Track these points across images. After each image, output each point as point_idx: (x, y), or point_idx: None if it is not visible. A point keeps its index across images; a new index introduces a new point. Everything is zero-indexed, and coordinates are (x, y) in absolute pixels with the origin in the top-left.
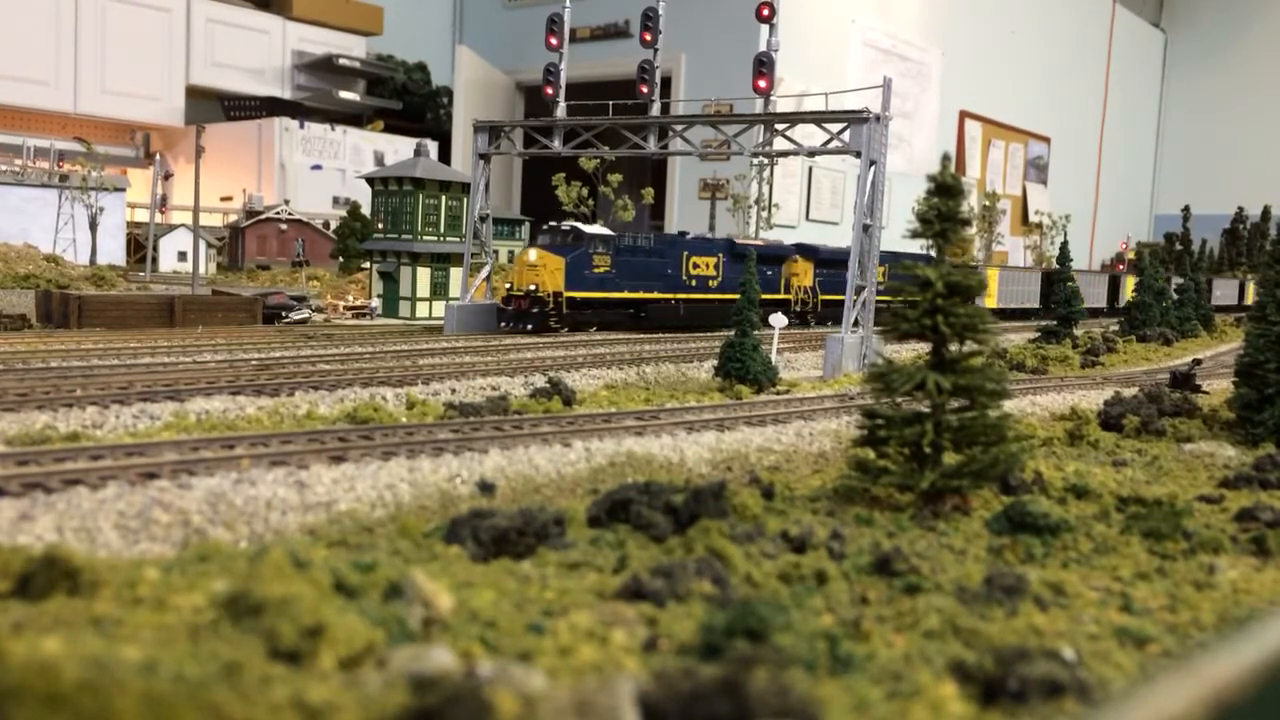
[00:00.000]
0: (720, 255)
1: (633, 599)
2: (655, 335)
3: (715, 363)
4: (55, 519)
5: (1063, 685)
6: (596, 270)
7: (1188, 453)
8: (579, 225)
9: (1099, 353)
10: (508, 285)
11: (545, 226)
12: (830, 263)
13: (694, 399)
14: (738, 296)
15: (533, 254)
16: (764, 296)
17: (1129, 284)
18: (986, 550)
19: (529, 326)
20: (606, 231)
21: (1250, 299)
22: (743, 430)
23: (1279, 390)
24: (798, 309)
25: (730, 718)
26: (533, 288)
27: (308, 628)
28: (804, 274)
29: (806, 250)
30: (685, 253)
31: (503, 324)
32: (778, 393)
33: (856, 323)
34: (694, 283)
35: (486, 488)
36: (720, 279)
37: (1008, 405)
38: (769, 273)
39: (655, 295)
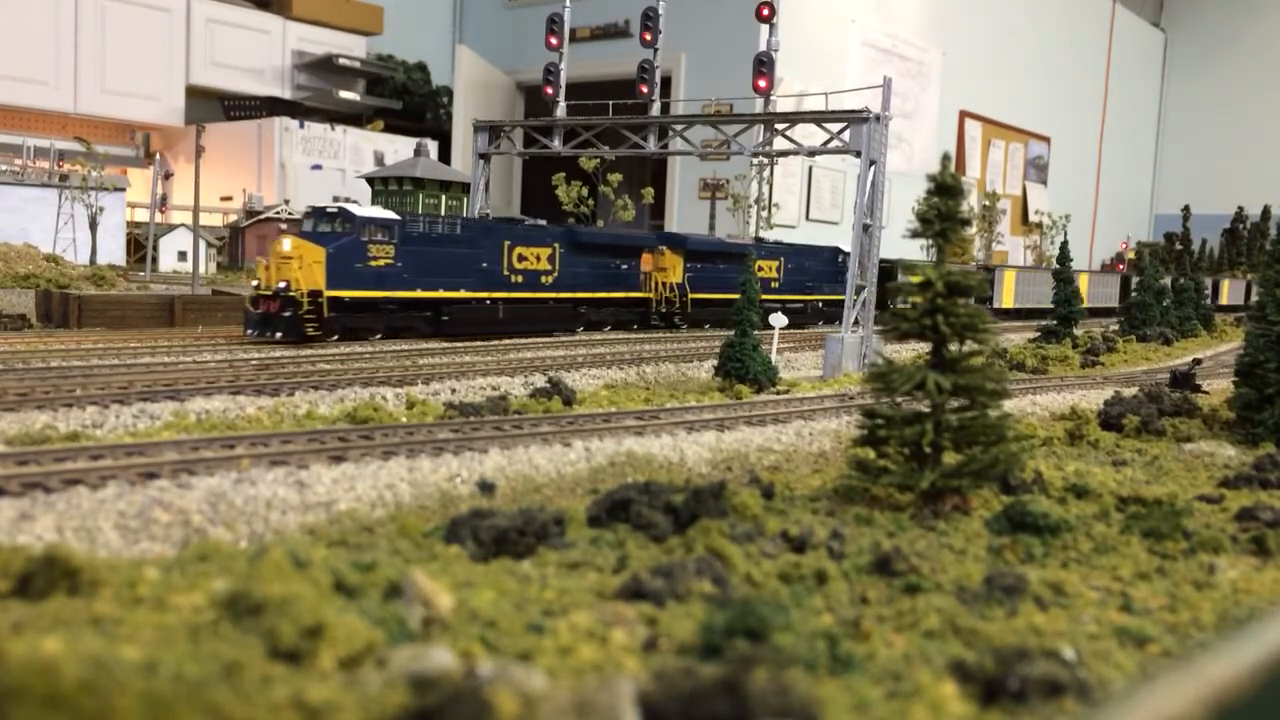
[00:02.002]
0: (556, 245)
1: (633, 599)
2: (655, 335)
3: (715, 362)
4: (55, 519)
5: (1063, 685)
6: (375, 263)
7: (1188, 452)
8: (349, 205)
9: (1099, 352)
10: (254, 283)
11: (309, 208)
12: (704, 255)
13: (694, 399)
14: (587, 295)
15: (286, 243)
16: (609, 295)
17: (1083, 282)
18: (986, 550)
19: (277, 335)
20: (388, 214)
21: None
22: (743, 430)
23: (1279, 390)
24: (662, 309)
25: (730, 718)
26: (283, 285)
27: (308, 628)
28: (671, 268)
29: (673, 240)
30: (507, 242)
31: (248, 331)
32: (778, 392)
33: (857, 322)
34: (520, 279)
35: (486, 487)
36: (556, 274)
37: (1008, 405)
38: (621, 266)
39: (463, 294)
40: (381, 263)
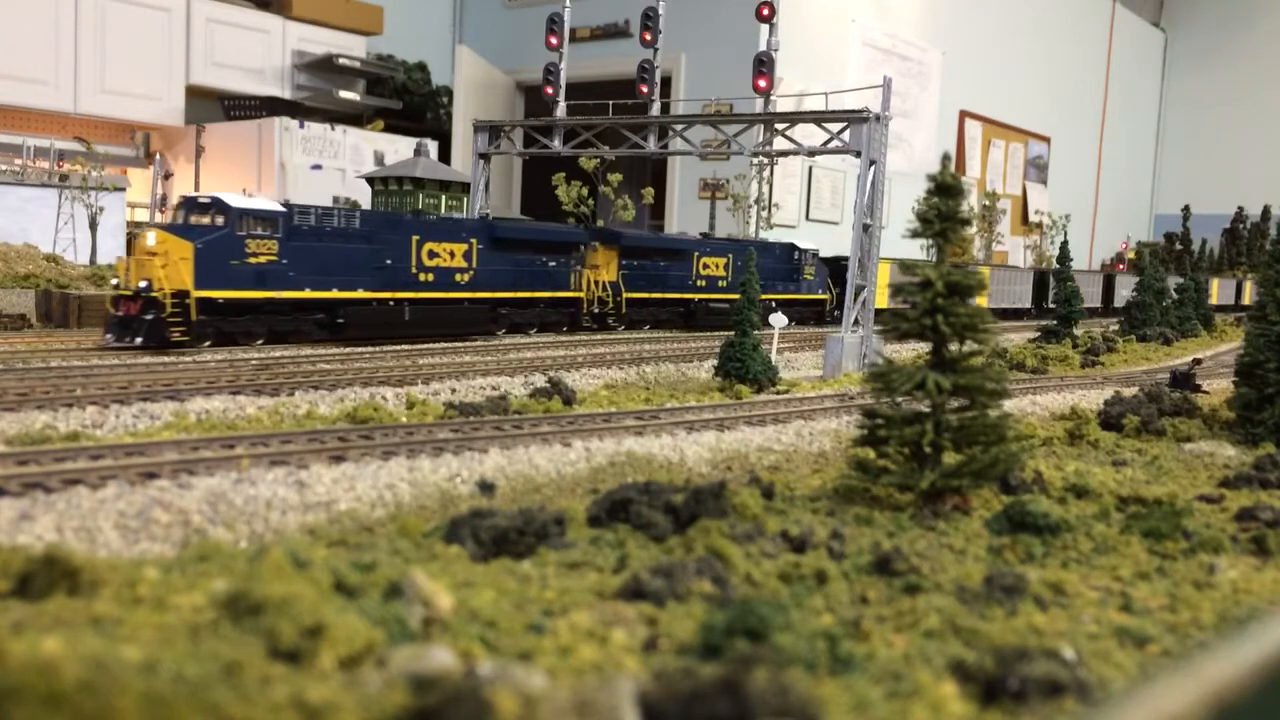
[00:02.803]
0: (473, 241)
1: (633, 599)
2: (656, 335)
3: (715, 362)
4: (55, 519)
5: (1063, 685)
6: (254, 260)
7: (1188, 452)
8: (224, 196)
9: (1099, 352)
10: (114, 282)
11: (181, 197)
12: (641, 251)
13: (694, 399)
14: (509, 295)
15: (151, 236)
16: (535, 295)
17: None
18: (986, 550)
19: (136, 340)
20: (271, 205)
21: (1248, 299)
22: (743, 430)
23: (1279, 390)
24: (595, 309)
25: (730, 717)
26: (144, 285)
27: (308, 627)
28: (605, 266)
29: (607, 236)
30: (415, 237)
31: (107, 336)
32: (778, 392)
33: (857, 322)
34: (430, 277)
35: (486, 487)
36: (473, 272)
37: (1008, 405)
38: (549, 263)
39: (362, 295)
40: (263, 259)
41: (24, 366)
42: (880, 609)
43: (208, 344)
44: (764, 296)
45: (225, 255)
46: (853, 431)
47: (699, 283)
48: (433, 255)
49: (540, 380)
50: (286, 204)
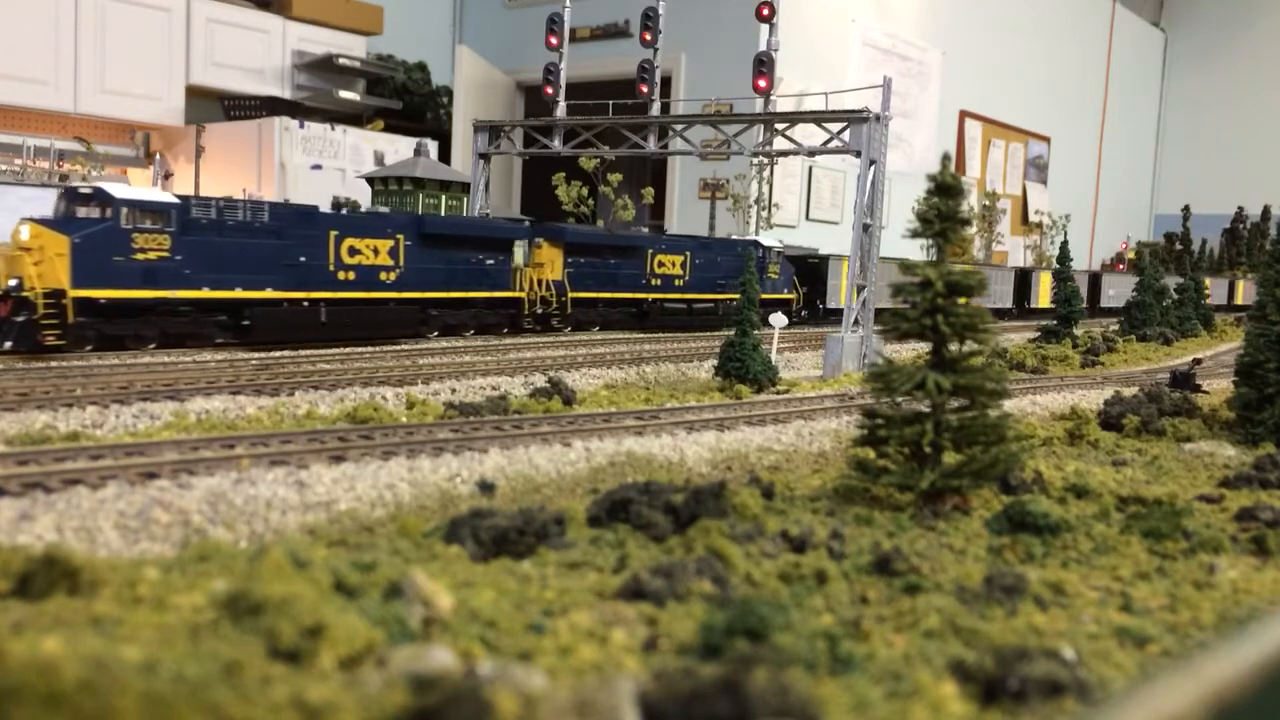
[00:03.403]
0: (400, 237)
1: (633, 599)
2: (656, 335)
3: (715, 362)
4: (55, 519)
5: (1063, 685)
6: (142, 256)
7: (1188, 452)
8: (109, 186)
9: (1099, 352)
10: None
11: (63, 189)
12: (589, 248)
13: (694, 399)
14: (440, 295)
15: (25, 230)
16: (470, 295)
17: (1044, 281)
18: (986, 550)
19: (5, 345)
20: (162, 197)
21: (1240, 299)
22: (743, 430)
23: (1279, 390)
24: (539, 310)
25: (730, 717)
26: (14, 284)
27: (308, 627)
28: (549, 264)
29: (551, 232)
30: (334, 232)
31: None
32: (778, 392)
33: (857, 322)
34: (351, 275)
35: (486, 487)
36: (401, 270)
37: (1008, 405)
38: (487, 261)
39: (270, 295)
40: (153, 255)
41: (24, 366)
42: (880, 609)
43: (88, 348)
44: (724, 297)
45: (107, 251)
46: (853, 431)
47: (653, 281)
48: (354, 252)
49: (540, 380)
50: (183, 196)
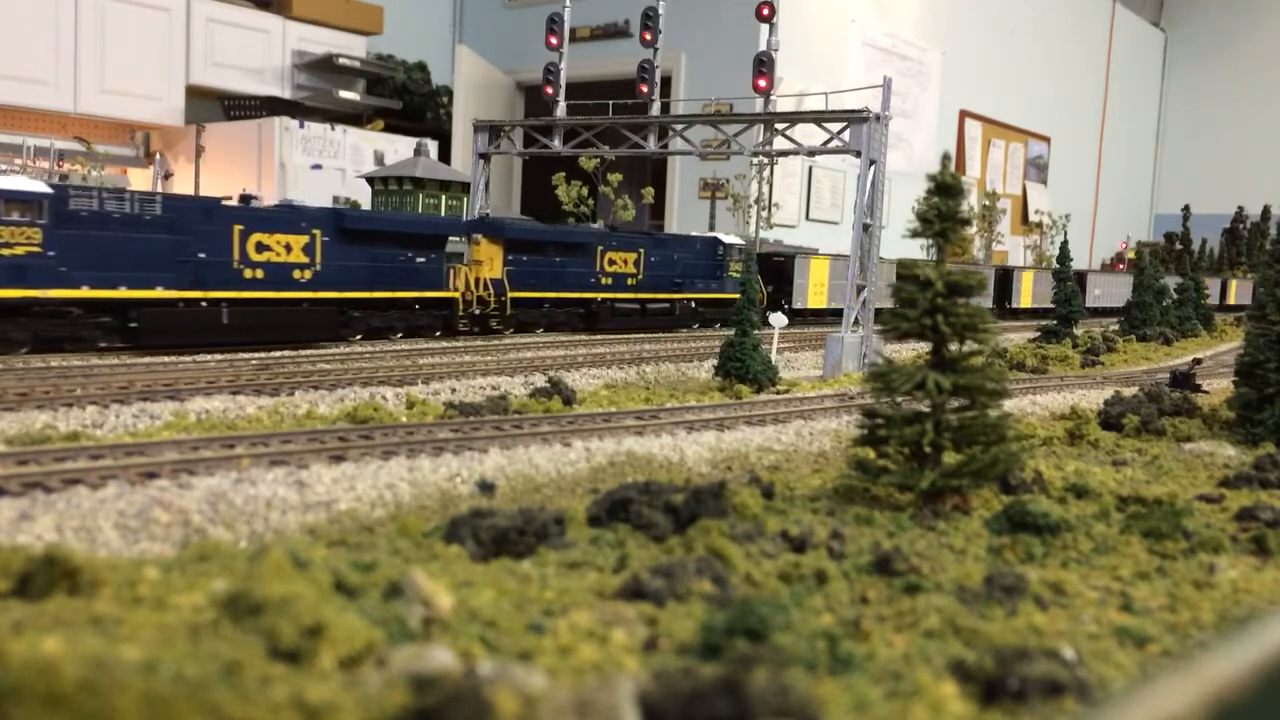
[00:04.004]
0: (316, 232)
1: (633, 599)
2: (656, 335)
3: (715, 362)
4: (55, 518)
5: (1063, 685)
6: (8, 252)
7: (1188, 452)
8: None
9: (1099, 352)
10: None
11: None
12: (531, 245)
13: (694, 398)
14: (363, 295)
15: None
16: (398, 295)
17: (1026, 280)
18: (986, 550)
19: None
20: (35, 186)
21: (1233, 299)
22: (743, 430)
23: (1279, 390)
24: (474, 311)
25: (730, 717)
26: None
27: (308, 627)
28: (488, 261)
29: (489, 228)
30: (239, 226)
31: None
32: (778, 392)
33: (857, 322)
34: (259, 274)
35: (486, 487)
36: (317, 268)
37: (1008, 405)
38: (417, 259)
39: (161, 294)
40: (20, 251)
41: (24, 366)
42: (880, 609)
43: None
44: (680, 296)
45: None
46: (853, 431)
47: (604, 280)
48: (263, 249)
49: (540, 380)
50: (57, 186)
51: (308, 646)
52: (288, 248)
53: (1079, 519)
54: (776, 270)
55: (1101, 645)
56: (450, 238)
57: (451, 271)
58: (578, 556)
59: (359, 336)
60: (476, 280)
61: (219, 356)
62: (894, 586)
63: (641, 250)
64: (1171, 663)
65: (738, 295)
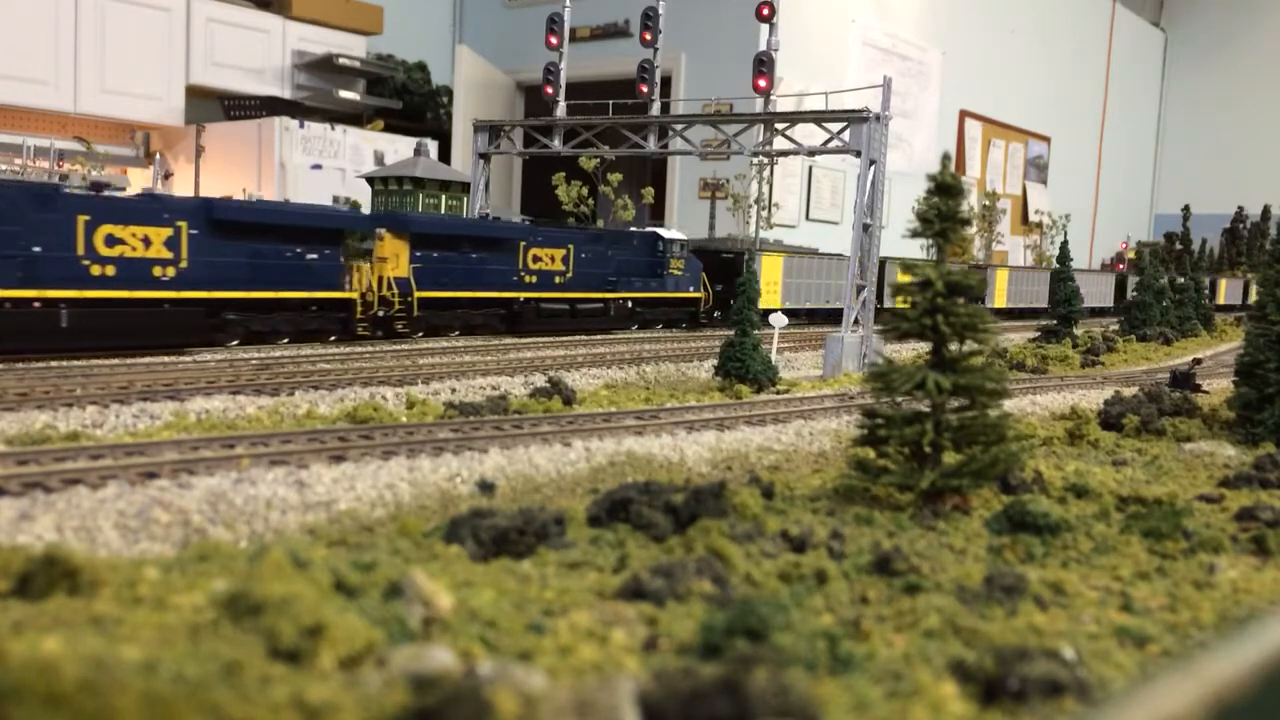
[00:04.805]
0: (182, 225)
1: (633, 598)
2: (656, 335)
3: (715, 362)
4: (55, 518)
5: (1063, 685)
6: None
7: (1188, 452)
8: None
9: (1099, 352)
10: None
11: None
12: (443, 240)
13: (694, 398)
14: (240, 295)
15: None
16: (284, 295)
17: (1000, 279)
18: (986, 550)
19: None
20: None
21: (1222, 298)
22: (743, 430)
23: (1279, 390)
24: (377, 313)
25: (730, 717)
26: None
27: (308, 627)
28: (393, 259)
29: (393, 221)
30: (84, 217)
31: None
32: (778, 392)
33: (857, 322)
34: (110, 270)
35: (486, 487)
36: (184, 265)
37: (1008, 404)
38: (308, 256)
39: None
40: None
41: (24, 366)
42: (880, 609)
43: None
44: (615, 295)
45: None
46: (853, 431)
47: (528, 279)
48: (114, 242)
49: (540, 380)
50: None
51: (308, 646)
52: (146, 241)
53: (1079, 519)
54: (727, 268)
55: (1101, 645)
56: (349, 232)
57: (352, 270)
58: (578, 556)
59: (236, 342)
60: (380, 279)
61: (219, 356)
62: (894, 586)
63: (571, 246)
64: (1171, 663)
65: (681, 294)
